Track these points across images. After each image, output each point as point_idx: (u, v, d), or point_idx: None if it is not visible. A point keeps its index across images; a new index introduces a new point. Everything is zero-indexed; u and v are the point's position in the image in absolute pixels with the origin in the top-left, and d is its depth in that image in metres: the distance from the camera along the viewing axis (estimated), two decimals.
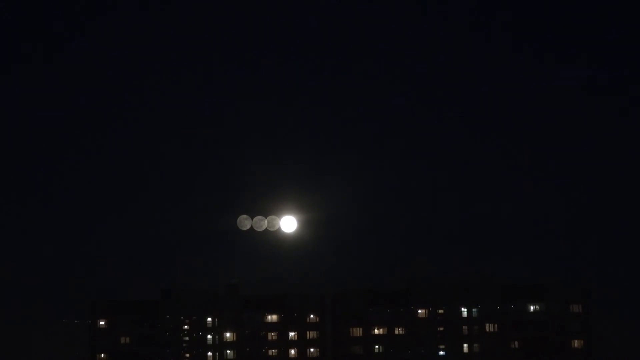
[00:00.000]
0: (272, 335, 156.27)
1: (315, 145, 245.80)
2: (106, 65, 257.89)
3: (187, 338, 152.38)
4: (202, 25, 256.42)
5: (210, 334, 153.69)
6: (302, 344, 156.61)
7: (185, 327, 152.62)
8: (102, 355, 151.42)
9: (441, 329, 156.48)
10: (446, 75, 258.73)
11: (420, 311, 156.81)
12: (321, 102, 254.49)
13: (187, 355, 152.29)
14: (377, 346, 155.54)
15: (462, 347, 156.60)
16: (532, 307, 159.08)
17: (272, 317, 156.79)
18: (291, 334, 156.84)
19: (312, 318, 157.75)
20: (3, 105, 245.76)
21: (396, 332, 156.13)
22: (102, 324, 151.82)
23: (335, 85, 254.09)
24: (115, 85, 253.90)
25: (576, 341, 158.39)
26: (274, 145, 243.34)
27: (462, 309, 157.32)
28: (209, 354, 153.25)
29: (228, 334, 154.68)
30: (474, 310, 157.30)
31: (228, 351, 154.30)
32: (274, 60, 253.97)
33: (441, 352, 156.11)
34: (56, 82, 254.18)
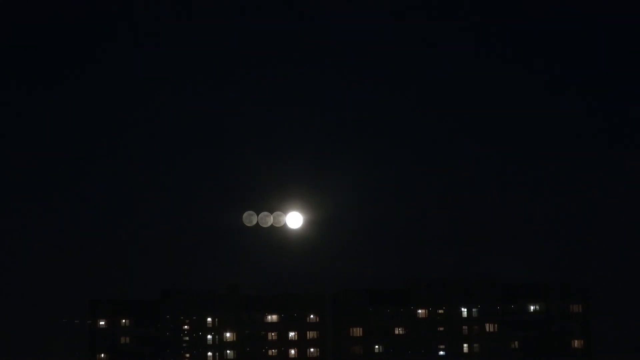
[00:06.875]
0: (272, 335, 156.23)
1: (317, 145, 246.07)
2: (110, 64, 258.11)
3: (187, 338, 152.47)
4: (206, 28, 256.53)
5: (210, 334, 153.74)
6: (302, 344, 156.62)
7: (185, 327, 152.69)
8: (102, 355, 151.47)
9: (441, 329, 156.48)
10: (448, 78, 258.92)
11: (420, 311, 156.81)
12: (325, 102, 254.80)
13: (187, 355, 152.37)
14: (377, 346, 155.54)
15: (462, 347, 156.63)
16: (532, 307, 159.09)
17: (272, 317, 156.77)
18: (291, 334, 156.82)
19: (312, 318, 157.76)
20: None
21: (396, 332, 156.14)
22: (102, 324, 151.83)
23: (341, 86, 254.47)
24: (119, 85, 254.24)
25: (576, 341, 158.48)
26: (279, 144, 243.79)
27: (462, 309, 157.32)
28: (209, 354, 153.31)
29: (228, 334, 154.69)
30: (474, 310, 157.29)
31: (228, 351, 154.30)
32: (278, 60, 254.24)
33: (441, 352, 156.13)
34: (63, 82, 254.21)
